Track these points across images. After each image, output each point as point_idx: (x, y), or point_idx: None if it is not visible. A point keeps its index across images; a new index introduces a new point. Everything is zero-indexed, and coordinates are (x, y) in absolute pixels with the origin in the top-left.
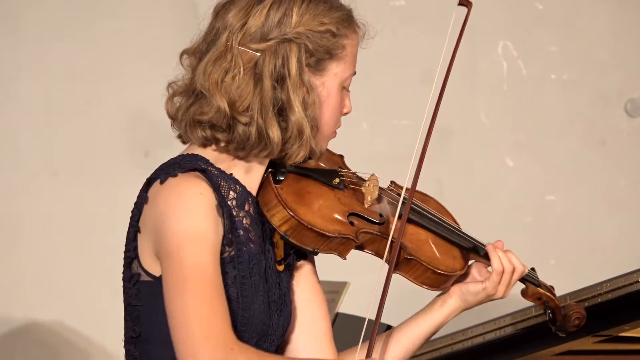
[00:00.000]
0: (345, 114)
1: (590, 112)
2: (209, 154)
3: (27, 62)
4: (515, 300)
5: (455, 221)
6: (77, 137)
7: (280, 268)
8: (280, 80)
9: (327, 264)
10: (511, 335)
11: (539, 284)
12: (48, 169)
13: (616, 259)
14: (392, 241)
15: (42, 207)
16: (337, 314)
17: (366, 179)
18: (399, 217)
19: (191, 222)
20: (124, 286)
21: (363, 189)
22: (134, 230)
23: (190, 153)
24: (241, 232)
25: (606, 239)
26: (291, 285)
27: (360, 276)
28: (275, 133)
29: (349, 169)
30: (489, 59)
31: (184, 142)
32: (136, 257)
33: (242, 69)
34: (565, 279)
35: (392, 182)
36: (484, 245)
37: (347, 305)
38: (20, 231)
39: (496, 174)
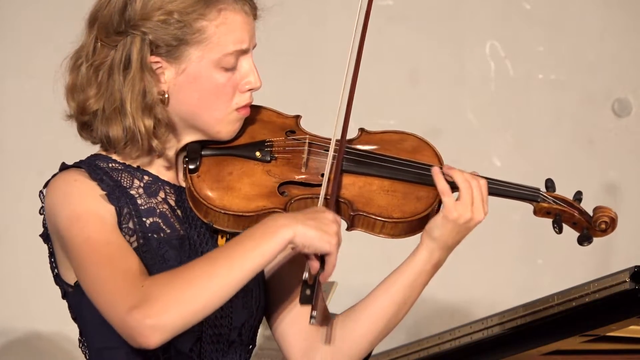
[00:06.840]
0: (251, 90)
1: (577, 112)
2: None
3: (14, 62)
4: (501, 300)
5: (437, 155)
6: (62, 137)
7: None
8: (124, 76)
9: None
10: (499, 335)
11: (543, 200)
12: (34, 168)
13: (604, 258)
14: (325, 198)
15: (29, 206)
16: None
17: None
18: (331, 171)
19: (71, 206)
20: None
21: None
22: (48, 246)
23: (92, 154)
24: (150, 220)
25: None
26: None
27: (348, 276)
28: (115, 132)
29: (303, 131)
30: (476, 59)
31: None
32: (58, 273)
33: (86, 70)
34: (553, 279)
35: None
36: (430, 171)
37: (335, 305)
38: (6, 231)
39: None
